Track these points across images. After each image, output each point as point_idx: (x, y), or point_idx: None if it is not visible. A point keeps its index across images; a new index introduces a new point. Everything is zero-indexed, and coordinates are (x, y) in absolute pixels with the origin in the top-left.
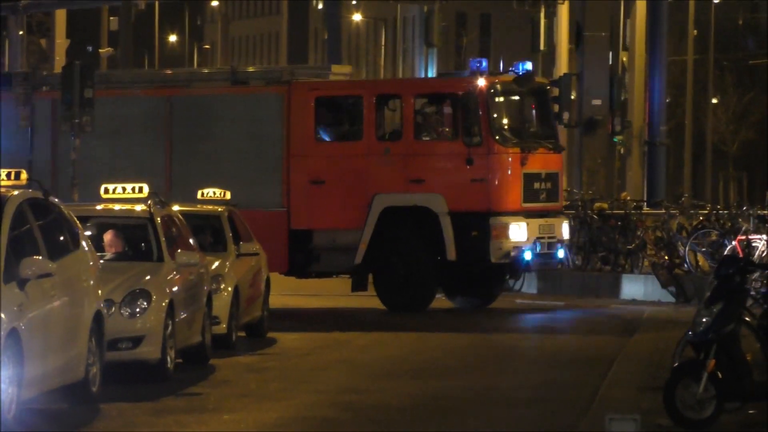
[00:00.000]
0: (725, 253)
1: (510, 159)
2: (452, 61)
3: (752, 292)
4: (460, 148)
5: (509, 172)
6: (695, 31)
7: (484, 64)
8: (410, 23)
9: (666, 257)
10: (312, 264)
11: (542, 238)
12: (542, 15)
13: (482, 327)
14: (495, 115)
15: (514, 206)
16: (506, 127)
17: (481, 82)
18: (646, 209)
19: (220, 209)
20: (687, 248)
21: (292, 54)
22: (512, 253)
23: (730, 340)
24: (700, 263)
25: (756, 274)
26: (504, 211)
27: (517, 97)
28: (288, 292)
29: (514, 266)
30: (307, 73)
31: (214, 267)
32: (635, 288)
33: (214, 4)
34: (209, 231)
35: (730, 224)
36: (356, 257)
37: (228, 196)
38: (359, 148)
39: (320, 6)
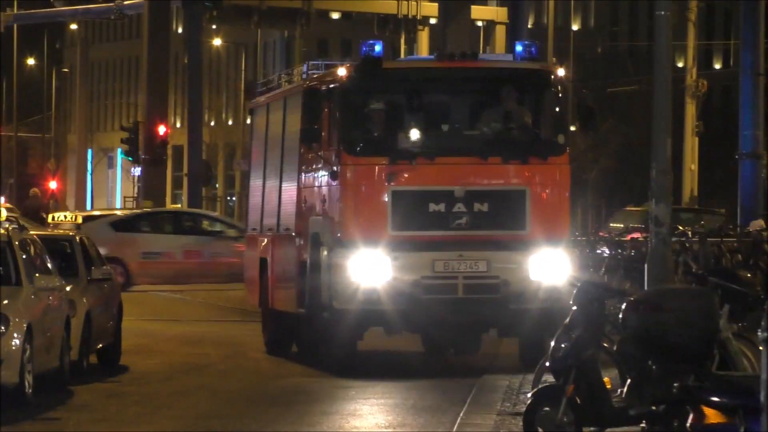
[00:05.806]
0: None
1: (361, 171)
2: None
3: (610, 318)
4: (329, 157)
5: (363, 189)
6: (554, 59)
7: (378, 47)
8: (271, 48)
9: None
10: None
11: (440, 276)
12: (402, 41)
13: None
14: (354, 115)
15: (369, 235)
16: (381, 129)
17: (341, 71)
18: None
19: (71, 233)
20: None
21: (152, 78)
22: (360, 297)
23: (588, 365)
24: None
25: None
26: (352, 240)
27: (424, 89)
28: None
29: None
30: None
31: None
32: None
33: (74, 27)
34: (61, 255)
35: (588, 251)
36: None
37: (80, 219)
38: None
39: (180, 30)
